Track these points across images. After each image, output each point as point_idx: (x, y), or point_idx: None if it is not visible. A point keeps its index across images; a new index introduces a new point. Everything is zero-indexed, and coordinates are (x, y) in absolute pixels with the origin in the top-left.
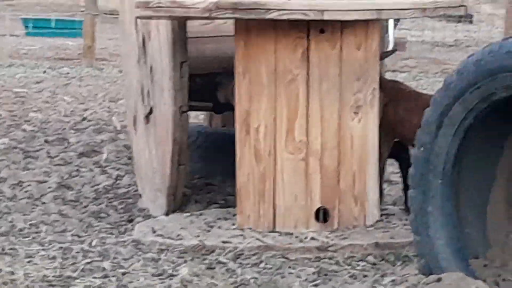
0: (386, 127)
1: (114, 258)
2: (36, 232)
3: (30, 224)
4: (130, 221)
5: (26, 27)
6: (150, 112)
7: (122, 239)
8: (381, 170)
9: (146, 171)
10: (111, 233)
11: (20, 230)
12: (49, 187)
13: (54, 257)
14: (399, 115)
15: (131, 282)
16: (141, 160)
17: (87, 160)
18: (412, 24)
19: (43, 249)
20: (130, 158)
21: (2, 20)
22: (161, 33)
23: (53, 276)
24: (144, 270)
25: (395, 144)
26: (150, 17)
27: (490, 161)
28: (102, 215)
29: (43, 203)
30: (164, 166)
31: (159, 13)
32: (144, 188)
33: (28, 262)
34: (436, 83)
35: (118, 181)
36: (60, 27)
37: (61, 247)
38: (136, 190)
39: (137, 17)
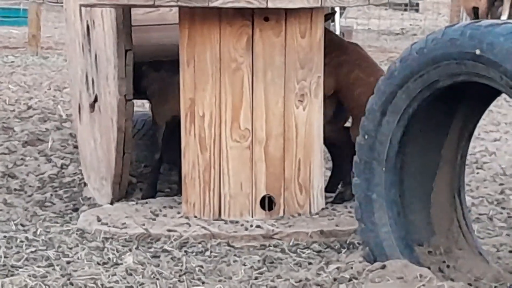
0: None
1: (59, 247)
2: None
3: None
4: (75, 210)
5: None
6: (95, 100)
7: (67, 228)
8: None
9: (91, 160)
10: (56, 222)
11: None
12: None
13: None
14: (354, 77)
15: (75, 270)
16: (86, 149)
17: (32, 149)
18: (359, 12)
19: None
20: (75, 147)
21: None
22: (105, 21)
23: None
24: (89, 258)
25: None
26: (94, 5)
27: (434, 148)
28: (47, 204)
29: None
30: (109, 155)
31: (103, 1)
32: (89, 177)
33: None
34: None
35: (63, 170)
36: (4, 15)
37: (5, 236)
38: (82, 179)
39: (81, 5)
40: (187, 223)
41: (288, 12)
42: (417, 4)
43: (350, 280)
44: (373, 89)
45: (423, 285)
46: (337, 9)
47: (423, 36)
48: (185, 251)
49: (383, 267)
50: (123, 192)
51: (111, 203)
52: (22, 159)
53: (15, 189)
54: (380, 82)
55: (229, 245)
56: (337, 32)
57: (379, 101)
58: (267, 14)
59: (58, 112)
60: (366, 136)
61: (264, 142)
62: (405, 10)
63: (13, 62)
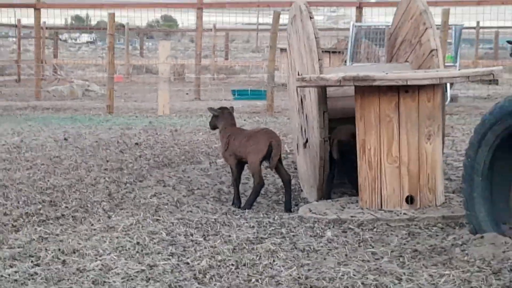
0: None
1: (287, 226)
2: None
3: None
4: (296, 205)
5: (233, 95)
6: (306, 141)
7: (292, 216)
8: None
9: (304, 176)
10: (283, 212)
11: None
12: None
13: (253, 226)
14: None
15: (298, 240)
16: (301, 170)
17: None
18: (461, 86)
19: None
20: (295, 168)
21: (219, 91)
22: (312, 95)
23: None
24: (305, 233)
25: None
26: (304, 86)
27: (510, 166)
28: (280, 202)
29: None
30: (315, 173)
31: (310, 84)
32: (304, 186)
33: None
34: (476, 120)
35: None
36: (254, 94)
37: (257, 221)
38: (299, 187)
39: (297, 86)
40: (362, 212)
41: (420, 86)
42: (497, 80)
43: (461, 245)
44: None
45: (507, 248)
46: (448, 84)
47: (502, 99)
48: (362, 228)
49: (482, 237)
50: (323, 195)
51: (317, 201)
52: (265, 175)
53: (261, 194)
54: (476, 127)
55: (387, 225)
56: (449, 97)
57: (476, 138)
58: (407, 88)
59: (285, 148)
60: (469, 159)
61: (407, 164)
62: (490, 83)
63: (258, 119)
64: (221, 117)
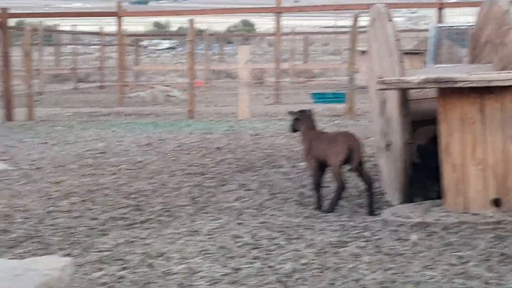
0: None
1: (371, 229)
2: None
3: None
4: (379, 208)
5: (313, 98)
6: (388, 144)
7: (374, 219)
8: None
9: (387, 179)
10: (366, 215)
11: None
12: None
13: (336, 230)
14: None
15: (382, 244)
16: (384, 173)
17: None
18: None
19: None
20: (378, 171)
21: (299, 94)
22: (393, 98)
23: (337, 240)
24: (389, 236)
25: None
26: (385, 89)
27: None
28: (362, 204)
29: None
30: (397, 176)
31: (390, 86)
32: (387, 189)
33: None
34: None
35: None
36: (334, 97)
37: (339, 224)
38: (382, 190)
39: (378, 89)
40: (447, 215)
41: (504, 87)
42: None
43: None
44: None
45: None
46: None
47: None
48: (447, 232)
49: None
50: (406, 198)
51: (400, 204)
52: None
53: (344, 197)
54: None
55: (473, 228)
56: None
57: None
58: (491, 90)
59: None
60: None
61: (492, 166)
62: None
63: (338, 123)
64: (302, 120)
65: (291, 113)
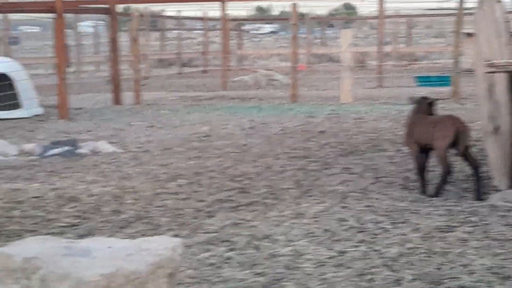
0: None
1: (479, 215)
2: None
3: None
4: (487, 193)
5: (417, 81)
6: (496, 129)
7: (482, 204)
8: None
9: (495, 164)
10: (473, 200)
11: None
12: None
13: (442, 215)
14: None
15: (491, 230)
16: (491, 157)
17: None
18: None
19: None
20: (484, 156)
21: (402, 78)
22: (501, 81)
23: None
24: (498, 222)
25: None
26: (494, 72)
27: None
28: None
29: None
30: (506, 160)
31: (500, 69)
32: (494, 173)
33: None
34: None
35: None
36: (438, 80)
37: (448, 209)
38: (489, 175)
39: (486, 72)
40: None
41: None
42: None
43: None
44: None
45: None
46: None
47: None
48: None
49: None
50: None
51: (508, 189)
52: (454, 163)
53: (450, 181)
54: None
55: None
56: None
57: None
58: None
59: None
60: None
61: None
62: None
63: (443, 106)
64: (419, 107)
65: (411, 99)
